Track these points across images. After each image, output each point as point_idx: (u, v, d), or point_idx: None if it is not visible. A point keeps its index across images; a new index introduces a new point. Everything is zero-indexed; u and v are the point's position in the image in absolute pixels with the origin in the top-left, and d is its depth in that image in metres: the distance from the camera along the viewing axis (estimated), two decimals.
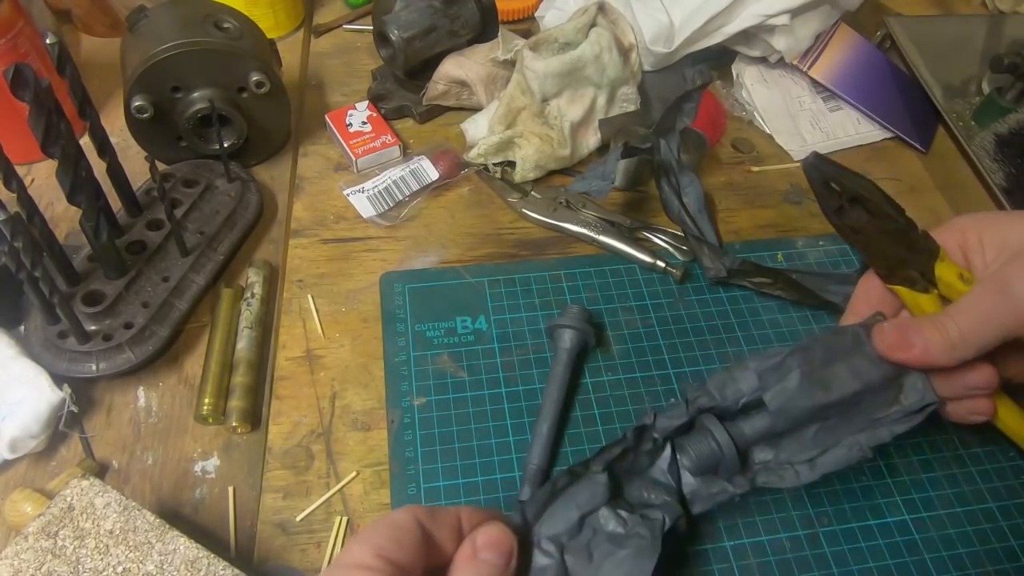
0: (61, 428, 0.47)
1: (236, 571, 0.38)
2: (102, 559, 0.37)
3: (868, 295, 0.46)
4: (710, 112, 0.68)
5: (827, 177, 0.41)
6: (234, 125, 0.60)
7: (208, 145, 0.60)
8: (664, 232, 0.60)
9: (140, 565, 0.37)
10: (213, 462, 0.48)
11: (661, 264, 0.57)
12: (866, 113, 0.71)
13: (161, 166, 0.60)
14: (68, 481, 0.40)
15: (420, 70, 0.68)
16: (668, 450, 0.41)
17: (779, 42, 0.69)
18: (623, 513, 0.37)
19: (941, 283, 0.42)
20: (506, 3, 0.76)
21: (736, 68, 0.74)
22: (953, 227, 0.43)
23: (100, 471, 0.47)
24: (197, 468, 0.48)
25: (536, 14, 0.76)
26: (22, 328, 0.51)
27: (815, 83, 0.72)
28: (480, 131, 0.64)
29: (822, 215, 0.59)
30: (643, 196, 0.64)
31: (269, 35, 0.64)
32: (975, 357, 0.39)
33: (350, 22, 0.79)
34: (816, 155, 0.41)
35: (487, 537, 0.32)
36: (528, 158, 0.61)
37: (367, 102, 0.68)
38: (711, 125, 0.67)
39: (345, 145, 0.64)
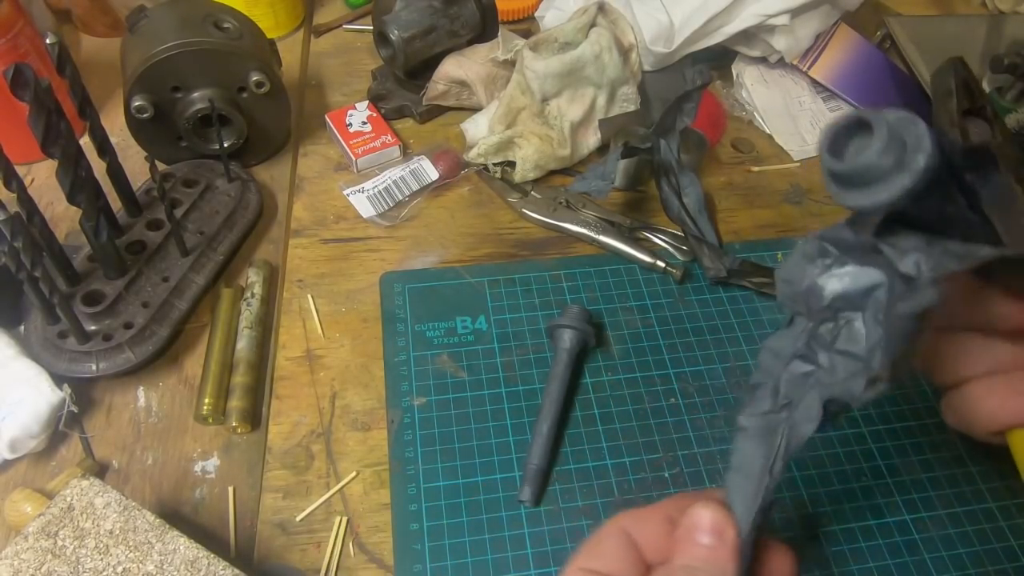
0: (61, 428, 0.47)
1: (236, 571, 0.38)
2: (102, 559, 0.37)
3: None
4: (710, 112, 0.68)
5: (966, 80, 0.35)
6: (234, 125, 0.60)
7: (208, 145, 0.60)
8: (664, 232, 0.60)
9: (140, 565, 0.37)
10: (213, 462, 0.48)
11: (661, 264, 0.57)
12: None
13: (161, 166, 0.60)
14: (68, 481, 0.40)
15: (420, 70, 0.68)
16: None
17: (779, 42, 0.69)
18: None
19: None
20: (506, 3, 0.76)
21: (736, 68, 0.74)
22: None
23: (100, 471, 0.47)
24: (197, 468, 0.48)
25: (536, 14, 0.76)
26: (22, 328, 0.51)
27: (815, 83, 0.72)
28: (480, 131, 0.64)
29: (822, 215, 0.60)
30: (643, 196, 0.64)
31: (269, 35, 0.64)
32: None
33: (350, 22, 0.79)
34: (961, 59, 0.36)
35: (700, 519, 0.29)
36: (528, 158, 0.61)
37: (367, 102, 0.68)
38: (711, 125, 0.67)
39: (345, 145, 0.64)
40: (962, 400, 0.34)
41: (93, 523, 0.38)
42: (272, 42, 0.64)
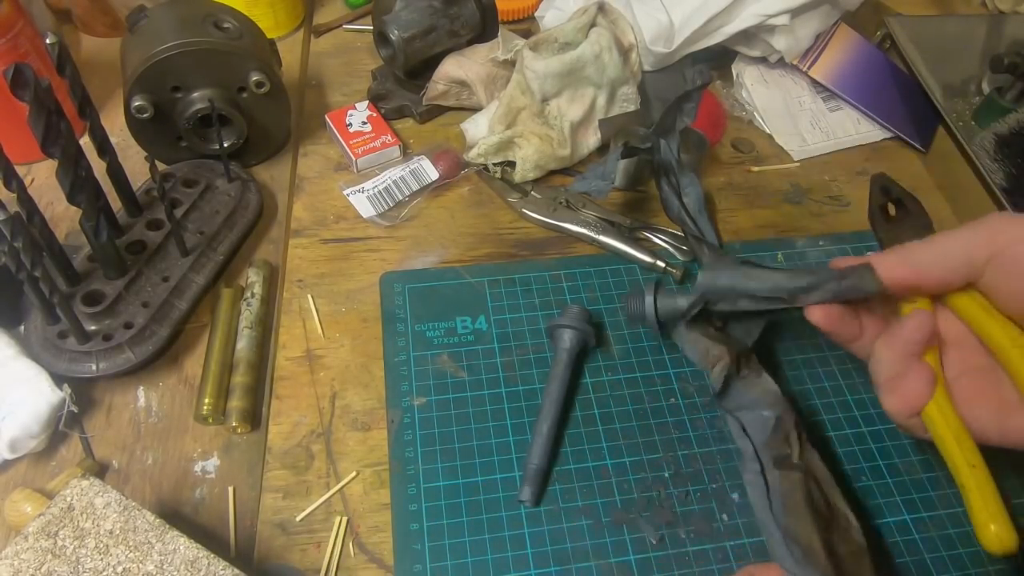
0: (61, 428, 0.47)
1: (236, 571, 0.38)
2: (102, 559, 0.37)
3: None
4: (710, 112, 0.68)
5: (885, 184, 0.55)
6: (234, 125, 0.60)
7: (208, 145, 0.60)
8: (664, 232, 0.60)
9: (140, 565, 0.37)
10: (213, 462, 0.48)
11: (661, 264, 0.57)
12: (866, 113, 0.71)
13: (161, 166, 0.60)
14: (68, 481, 0.40)
15: (420, 70, 0.68)
16: None
17: (779, 42, 0.69)
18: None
19: None
20: (506, 3, 0.76)
21: (736, 68, 0.74)
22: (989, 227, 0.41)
23: (100, 471, 0.47)
24: (197, 468, 0.48)
25: (536, 14, 0.76)
26: (22, 328, 0.51)
27: (815, 83, 0.72)
28: (480, 131, 0.64)
29: (822, 215, 0.61)
30: (643, 196, 0.64)
31: (269, 35, 0.64)
32: (931, 278, 0.40)
33: (350, 22, 0.79)
34: (883, 174, 0.56)
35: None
36: (528, 158, 0.61)
37: (367, 102, 0.68)
38: (711, 125, 0.67)
39: (345, 145, 0.64)
40: (883, 399, 0.41)
41: (93, 523, 0.38)
42: (272, 42, 0.64)
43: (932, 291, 0.42)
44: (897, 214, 0.53)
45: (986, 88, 0.72)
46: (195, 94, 0.58)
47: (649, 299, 0.49)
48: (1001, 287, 0.39)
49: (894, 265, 0.41)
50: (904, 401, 0.40)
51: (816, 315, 0.43)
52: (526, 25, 0.79)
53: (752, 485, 0.42)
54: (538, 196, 0.62)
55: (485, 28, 0.68)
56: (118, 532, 0.38)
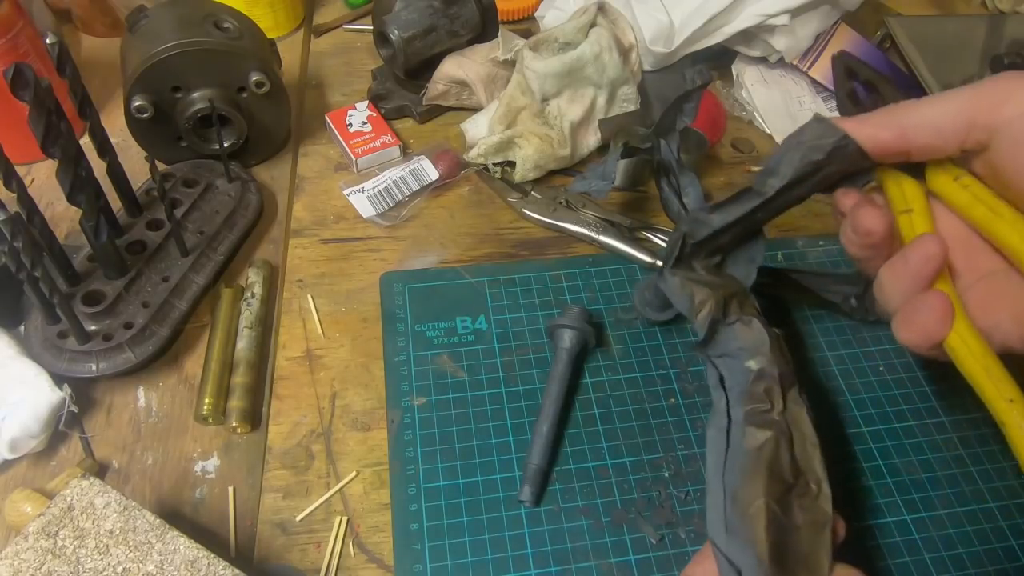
0: (61, 428, 0.47)
1: (236, 571, 0.38)
2: (102, 559, 0.37)
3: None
4: (710, 112, 0.68)
5: (850, 64, 0.47)
6: (234, 125, 0.60)
7: (208, 145, 0.60)
8: (664, 232, 0.60)
9: (140, 565, 0.37)
10: (213, 462, 0.48)
11: (661, 264, 0.57)
12: None
13: (161, 166, 0.60)
14: (68, 481, 0.40)
15: (420, 70, 0.68)
16: None
17: (779, 42, 0.69)
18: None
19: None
20: (506, 3, 0.76)
21: (736, 68, 0.74)
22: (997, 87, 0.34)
23: (100, 471, 0.47)
24: (197, 468, 0.48)
25: (536, 14, 0.76)
26: (22, 328, 0.51)
27: (815, 83, 0.72)
28: (480, 131, 0.64)
29: (822, 215, 0.60)
30: (643, 196, 0.64)
31: (269, 35, 0.64)
32: (919, 141, 0.35)
33: (350, 22, 0.79)
34: (846, 52, 0.47)
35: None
36: (528, 158, 0.61)
37: (367, 102, 0.68)
38: (711, 125, 0.67)
39: (345, 145, 0.64)
40: (895, 331, 0.37)
41: (93, 523, 0.38)
42: (272, 42, 0.64)
43: (921, 157, 0.36)
44: (869, 99, 0.47)
45: None
46: (195, 94, 0.58)
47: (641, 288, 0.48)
48: (1010, 162, 0.33)
49: (878, 127, 0.35)
50: (921, 335, 0.35)
51: (870, 220, 0.37)
52: (526, 25, 0.79)
53: (712, 442, 0.38)
54: (538, 196, 0.62)
55: (485, 28, 0.68)
56: (118, 532, 0.38)
